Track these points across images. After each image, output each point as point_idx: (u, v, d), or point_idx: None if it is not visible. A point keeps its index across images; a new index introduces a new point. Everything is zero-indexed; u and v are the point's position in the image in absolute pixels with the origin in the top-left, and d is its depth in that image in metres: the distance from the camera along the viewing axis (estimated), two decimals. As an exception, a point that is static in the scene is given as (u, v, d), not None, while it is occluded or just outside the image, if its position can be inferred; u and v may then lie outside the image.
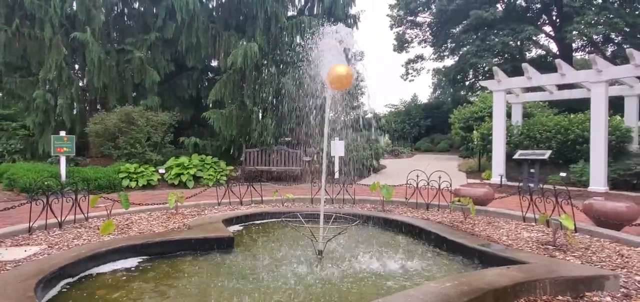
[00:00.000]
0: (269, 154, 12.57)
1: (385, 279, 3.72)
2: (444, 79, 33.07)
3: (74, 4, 12.83)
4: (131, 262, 4.07)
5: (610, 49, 25.86)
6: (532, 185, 9.31)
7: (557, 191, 5.40)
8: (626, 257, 4.08)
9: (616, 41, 25.03)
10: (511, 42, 24.44)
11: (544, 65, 21.71)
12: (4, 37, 12.01)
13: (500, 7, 25.34)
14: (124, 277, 3.71)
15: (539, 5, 25.24)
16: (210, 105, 13.47)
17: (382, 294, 3.32)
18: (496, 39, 23.61)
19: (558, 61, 10.79)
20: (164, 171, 10.97)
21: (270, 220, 6.27)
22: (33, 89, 12.64)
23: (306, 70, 4.88)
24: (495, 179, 11.29)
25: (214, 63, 15.40)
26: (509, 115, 13.06)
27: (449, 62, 31.28)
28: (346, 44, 4.52)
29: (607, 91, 9.88)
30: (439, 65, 33.03)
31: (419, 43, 32.10)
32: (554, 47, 27.65)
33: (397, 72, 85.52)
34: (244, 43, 11.97)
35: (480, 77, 27.68)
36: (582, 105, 13.68)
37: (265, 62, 12.89)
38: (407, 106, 34.22)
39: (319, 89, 4.86)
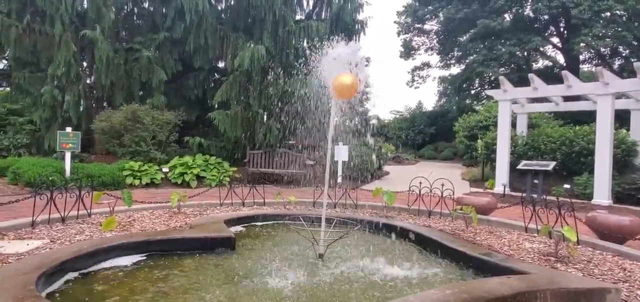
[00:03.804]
0: (273, 157, 12.59)
1: (385, 285, 3.72)
2: (449, 87, 33.04)
3: (85, 1, 12.96)
4: (132, 259, 4.08)
5: (617, 62, 25.73)
6: (535, 196, 9.27)
7: (560, 203, 5.37)
8: (628, 271, 4.05)
9: (624, 54, 24.92)
10: (518, 52, 24.38)
11: (551, 76, 21.65)
12: (15, 33, 12.14)
13: (507, 17, 25.31)
14: (125, 274, 3.73)
15: (546, 17, 25.18)
16: (216, 106, 13.52)
17: (382, 300, 3.32)
18: (503, 49, 23.56)
19: (564, 72, 10.75)
20: (167, 170, 11.01)
21: (271, 222, 6.27)
22: (41, 84, 12.75)
23: (313, 77, 4.90)
24: (498, 189, 11.23)
25: (221, 64, 15.47)
26: (514, 125, 13.02)
27: (455, 70, 31.27)
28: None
29: (614, 104, 9.82)
30: (445, 73, 33.03)
31: (426, 50, 32.14)
32: (561, 59, 27.56)
33: (403, 79, 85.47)
34: (252, 45, 12.03)
35: (486, 86, 27.62)
36: (588, 117, 13.62)
37: (272, 64, 12.93)
38: (412, 113, 34.22)
39: (325, 94, 4.87)
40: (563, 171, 11.31)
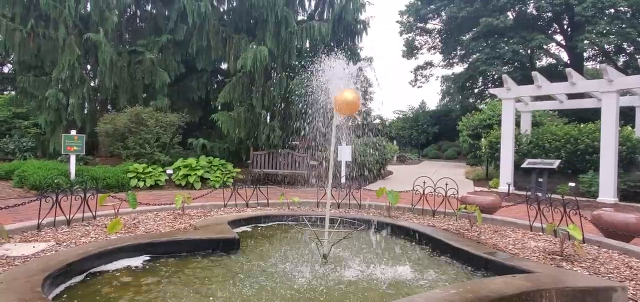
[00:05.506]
0: (276, 157, 12.61)
1: (389, 285, 3.71)
2: (452, 86, 33.01)
3: (88, 5, 13.04)
4: (137, 260, 4.10)
5: (622, 59, 25.60)
6: (540, 194, 9.22)
7: (565, 201, 5.35)
8: (635, 269, 4.02)
9: (628, 51, 24.78)
10: (521, 51, 24.32)
11: (555, 74, 21.57)
12: (19, 37, 12.23)
13: (510, 15, 25.23)
14: (130, 276, 3.75)
15: (550, 14, 25.08)
16: (219, 107, 13.56)
17: (386, 301, 3.32)
18: (506, 47, 23.49)
19: (568, 70, 10.70)
20: (171, 172, 11.05)
21: (275, 223, 6.28)
22: (46, 88, 12.84)
23: (315, 80, 4.90)
24: (502, 188, 11.19)
25: (224, 66, 15.53)
26: (518, 123, 12.96)
27: (459, 69, 31.23)
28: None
29: (618, 101, 9.77)
30: (448, 72, 32.99)
31: (428, 50, 32.09)
32: (564, 56, 27.45)
33: (406, 78, 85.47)
34: (254, 46, 12.06)
35: (490, 85, 27.53)
36: (593, 115, 13.54)
37: (275, 65, 12.95)
38: (415, 113, 34.19)
39: (328, 97, 4.87)
40: (568, 169, 11.25)
